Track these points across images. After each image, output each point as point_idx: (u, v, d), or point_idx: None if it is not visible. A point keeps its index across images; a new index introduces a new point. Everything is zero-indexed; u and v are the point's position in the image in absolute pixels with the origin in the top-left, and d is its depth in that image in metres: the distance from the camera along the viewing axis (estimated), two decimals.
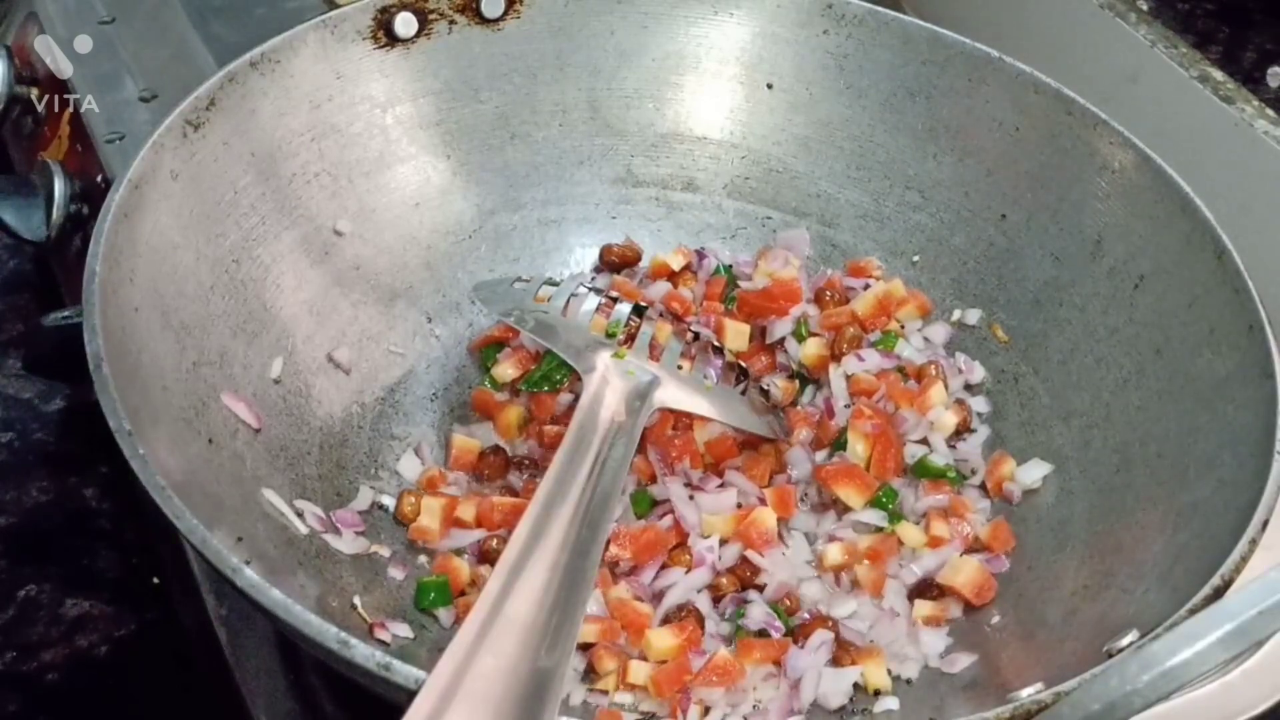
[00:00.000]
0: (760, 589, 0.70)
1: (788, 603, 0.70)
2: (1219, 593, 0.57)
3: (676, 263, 0.86)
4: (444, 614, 0.68)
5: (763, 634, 0.68)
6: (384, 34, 0.81)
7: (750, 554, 0.71)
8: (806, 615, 0.69)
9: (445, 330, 0.82)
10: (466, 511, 0.72)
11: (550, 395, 0.78)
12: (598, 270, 0.87)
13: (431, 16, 0.83)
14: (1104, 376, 0.76)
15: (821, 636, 0.68)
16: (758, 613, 0.69)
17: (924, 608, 0.70)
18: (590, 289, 0.80)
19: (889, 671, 0.68)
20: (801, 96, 0.88)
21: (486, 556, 0.71)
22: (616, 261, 0.86)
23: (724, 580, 0.70)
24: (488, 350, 0.81)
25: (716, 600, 0.70)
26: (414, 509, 0.72)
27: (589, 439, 0.67)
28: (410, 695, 0.49)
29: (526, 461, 0.76)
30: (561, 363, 0.77)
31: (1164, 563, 0.63)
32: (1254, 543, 0.59)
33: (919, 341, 0.83)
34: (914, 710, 0.66)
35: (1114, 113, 0.79)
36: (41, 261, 1.04)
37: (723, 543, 0.71)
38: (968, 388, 0.81)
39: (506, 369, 0.80)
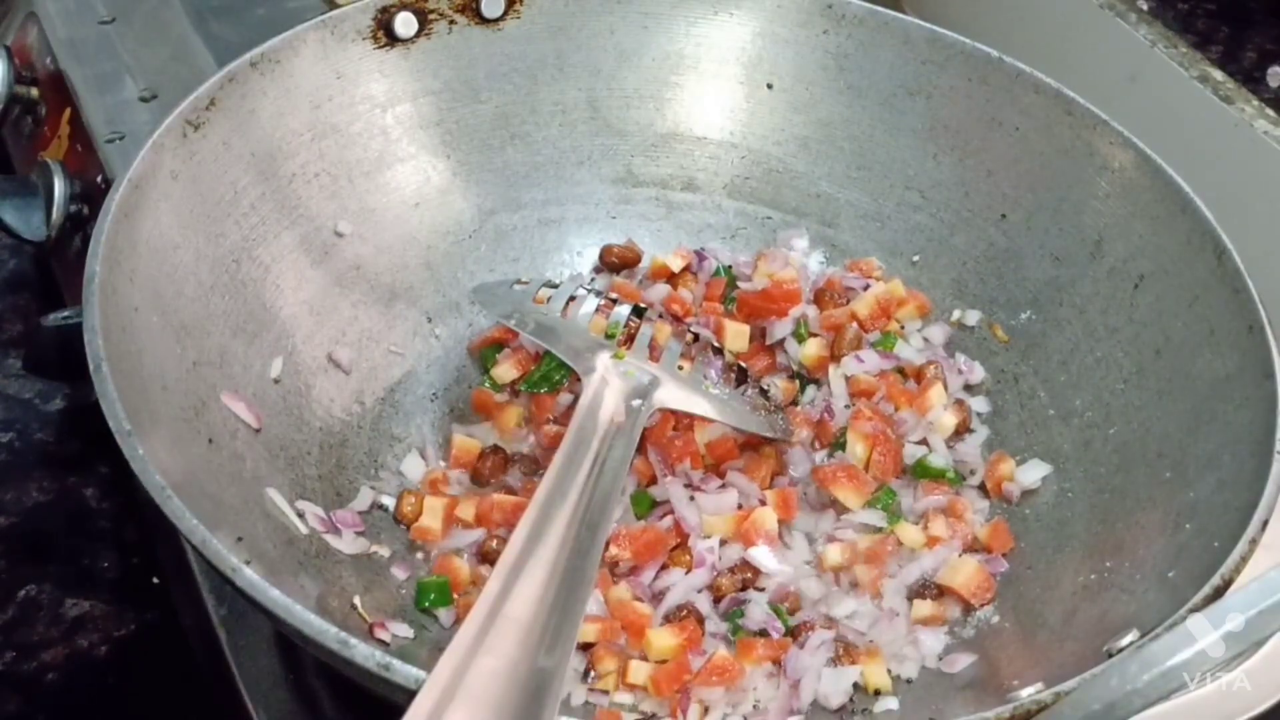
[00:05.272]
0: (760, 589, 0.70)
1: (788, 603, 0.70)
2: (1219, 593, 0.57)
3: (676, 265, 0.85)
4: (444, 614, 0.68)
5: (763, 634, 0.68)
6: (384, 34, 0.81)
7: (750, 554, 0.71)
8: (806, 615, 0.69)
9: (445, 330, 0.82)
10: (466, 511, 0.72)
11: (550, 395, 0.78)
12: (597, 271, 0.87)
13: (431, 16, 0.83)
14: (1104, 376, 0.76)
15: (821, 636, 0.68)
16: (758, 613, 0.69)
17: (923, 608, 0.70)
18: (589, 290, 0.80)
19: (889, 671, 0.68)
20: (801, 96, 0.88)
21: (486, 556, 0.71)
22: (616, 263, 0.86)
23: (724, 580, 0.70)
24: (488, 351, 0.81)
25: (716, 600, 0.70)
26: (414, 509, 0.72)
27: (588, 440, 0.67)
28: (410, 695, 0.49)
29: (527, 461, 0.76)
30: (561, 363, 0.77)
31: (1164, 563, 0.63)
32: (1254, 543, 0.59)
33: (918, 342, 0.83)
34: (914, 710, 0.66)
35: (1114, 113, 0.79)
36: (41, 261, 1.04)
37: (723, 543, 0.71)
38: (967, 388, 0.81)
39: (506, 369, 0.80)
